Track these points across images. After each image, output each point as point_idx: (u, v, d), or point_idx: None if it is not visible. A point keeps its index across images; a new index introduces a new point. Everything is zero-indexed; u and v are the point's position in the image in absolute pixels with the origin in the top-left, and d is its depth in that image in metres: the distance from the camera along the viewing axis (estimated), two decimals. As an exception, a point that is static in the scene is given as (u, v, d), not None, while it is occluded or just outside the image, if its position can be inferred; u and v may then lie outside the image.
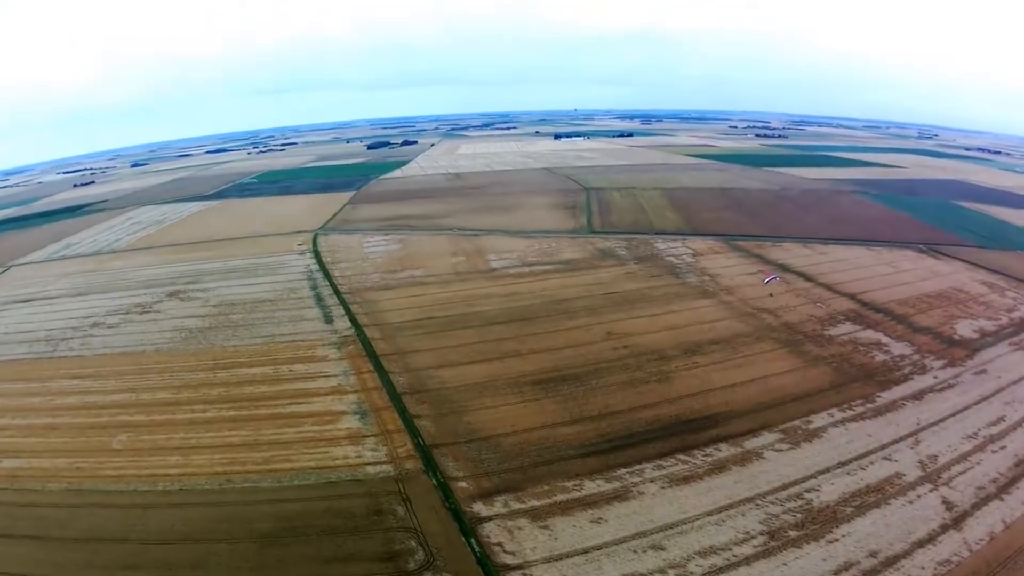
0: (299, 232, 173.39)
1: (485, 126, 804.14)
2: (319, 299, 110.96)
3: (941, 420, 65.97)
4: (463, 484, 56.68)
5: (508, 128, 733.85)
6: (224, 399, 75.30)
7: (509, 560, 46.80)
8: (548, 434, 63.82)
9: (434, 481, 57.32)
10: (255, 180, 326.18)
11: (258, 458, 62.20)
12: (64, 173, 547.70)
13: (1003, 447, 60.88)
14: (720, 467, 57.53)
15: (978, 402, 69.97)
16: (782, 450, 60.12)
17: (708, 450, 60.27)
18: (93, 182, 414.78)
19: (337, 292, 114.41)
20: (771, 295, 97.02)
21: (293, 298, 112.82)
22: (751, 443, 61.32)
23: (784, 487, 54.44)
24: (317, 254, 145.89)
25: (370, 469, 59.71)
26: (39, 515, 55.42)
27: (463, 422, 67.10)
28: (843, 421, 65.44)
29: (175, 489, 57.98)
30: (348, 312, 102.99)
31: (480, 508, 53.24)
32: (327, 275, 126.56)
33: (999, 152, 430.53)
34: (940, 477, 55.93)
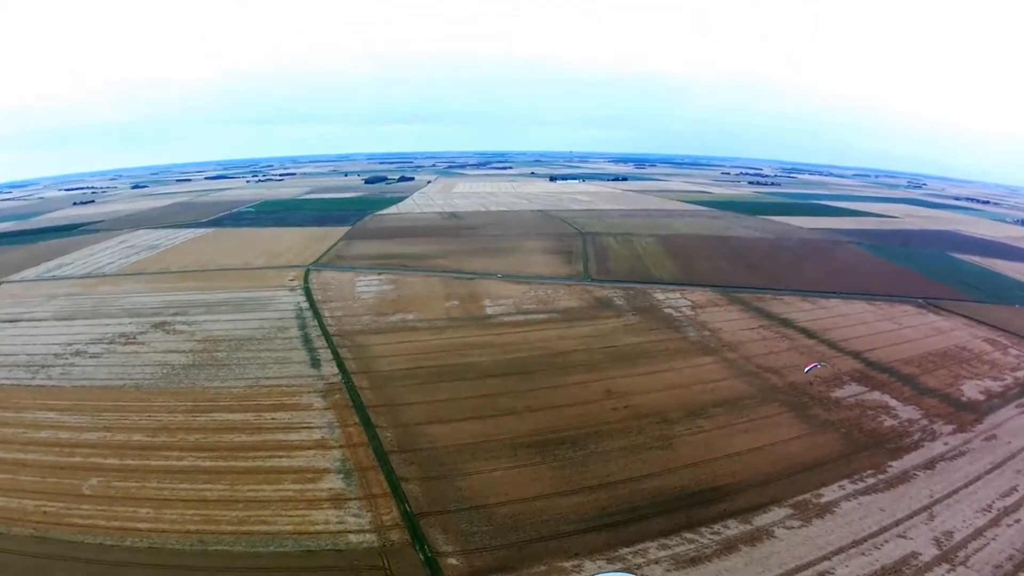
0: (291, 266, 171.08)
1: (481, 164, 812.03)
2: (307, 340, 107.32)
3: (954, 492, 62.84)
4: (453, 561, 52.22)
5: (504, 168, 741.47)
6: (201, 447, 71.37)
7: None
8: (545, 505, 59.62)
9: (421, 556, 52.87)
10: (252, 209, 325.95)
11: (233, 517, 57.93)
12: (66, 190, 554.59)
13: (1017, 520, 57.97)
14: (729, 547, 53.56)
15: (990, 471, 67.09)
16: (793, 527, 56.43)
17: (716, 527, 56.28)
18: (93, 201, 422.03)
19: (326, 333, 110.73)
20: (811, 383, 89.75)
21: (280, 338, 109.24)
22: (761, 519, 57.49)
23: (797, 570, 50.67)
24: (308, 291, 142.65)
25: (352, 538, 55.24)
26: (2, 563, 51.67)
27: (454, 487, 62.88)
28: (855, 494, 61.96)
29: (144, 547, 53.80)
30: (336, 356, 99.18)
31: (471, 593, 48.55)
32: (317, 314, 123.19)
33: (987, 202, 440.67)
34: (956, 556, 52.64)
